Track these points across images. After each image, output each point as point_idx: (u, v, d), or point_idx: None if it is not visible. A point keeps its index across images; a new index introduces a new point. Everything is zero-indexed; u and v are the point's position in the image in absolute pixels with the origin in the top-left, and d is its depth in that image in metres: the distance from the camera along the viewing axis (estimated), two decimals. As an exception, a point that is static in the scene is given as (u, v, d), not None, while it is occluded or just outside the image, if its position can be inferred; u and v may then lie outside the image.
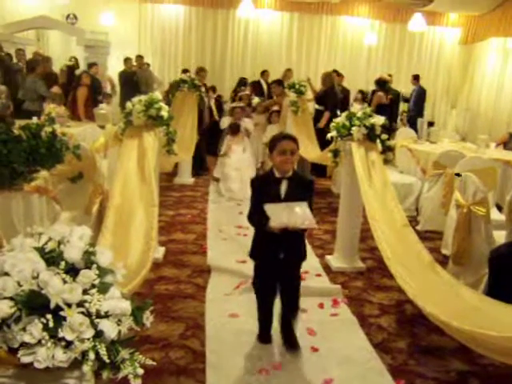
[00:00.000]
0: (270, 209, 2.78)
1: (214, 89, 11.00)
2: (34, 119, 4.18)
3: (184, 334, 3.26)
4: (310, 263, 4.58)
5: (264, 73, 10.95)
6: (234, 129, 7.37)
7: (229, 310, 3.60)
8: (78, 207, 3.87)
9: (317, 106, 8.60)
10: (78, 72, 9.79)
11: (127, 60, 11.16)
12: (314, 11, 13.36)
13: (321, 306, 3.75)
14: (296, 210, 2.78)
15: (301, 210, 2.78)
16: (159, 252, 4.49)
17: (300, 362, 3.02)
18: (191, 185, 7.57)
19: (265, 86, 10.32)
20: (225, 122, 7.64)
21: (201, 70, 8.75)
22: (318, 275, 4.35)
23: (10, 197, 3.05)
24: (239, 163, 7.13)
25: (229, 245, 4.96)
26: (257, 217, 2.92)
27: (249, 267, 4.32)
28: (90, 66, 10.17)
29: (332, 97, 8.37)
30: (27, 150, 3.18)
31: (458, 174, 5.14)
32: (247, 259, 4.51)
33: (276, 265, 3.01)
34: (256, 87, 10.19)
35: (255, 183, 3.02)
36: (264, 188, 2.95)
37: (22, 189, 3.10)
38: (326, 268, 4.53)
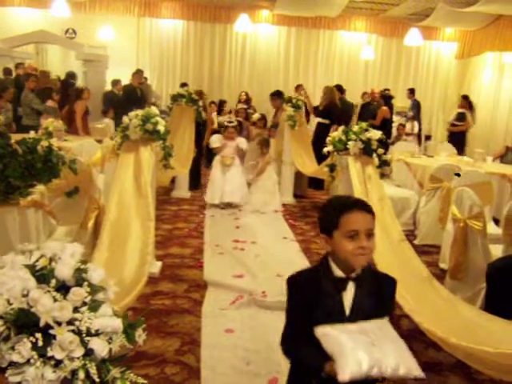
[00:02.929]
0: (330, 338, 1.59)
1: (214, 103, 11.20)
2: (32, 133, 4.19)
3: (180, 349, 3.24)
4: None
5: (298, 87, 10.26)
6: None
7: (225, 325, 3.57)
8: (74, 221, 3.85)
9: (320, 120, 8.57)
10: (76, 86, 9.83)
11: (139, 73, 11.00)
12: (312, 26, 13.49)
13: (318, 320, 3.72)
14: (381, 341, 1.59)
15: (390, 341, 1.63)
16: (156, 266, 4.47)
17: (296, 378, 2.99)
18: (188, 198, 7.55)
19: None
20: (215, 141, 7.26)
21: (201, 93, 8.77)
22: (315, 290, 4.32)
23: (5, 211, 3.04)
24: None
25: (225, 259, 4.94)
26: (301, 351, 1.74)
27: (245, 282, 4.33)
28: (115, 82, 10.25)
29: (337, 110, 8.40)
30: (23, 164, 3.17)
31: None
32: (244, 274, 4.52)
33: None
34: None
35: (297, 285, 1.78)
36: (313, 295, 1.71)
37: (18, 203, 3.09)
38: (323, 282, 4.50)
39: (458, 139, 9.46)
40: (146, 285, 3.56)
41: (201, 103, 7.60)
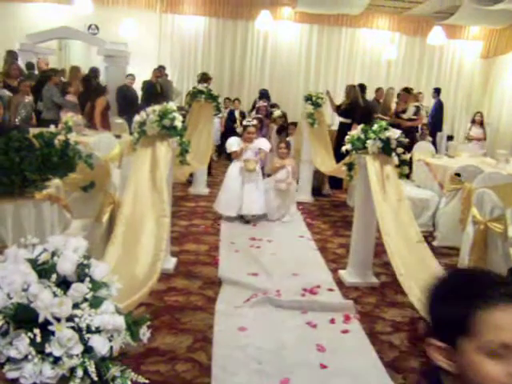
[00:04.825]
0: None
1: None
2: (52, 127, 4.21)
3: (191, 346, 3.22)
4: (323, 277, 4.52)
5: (379, 90, 10.18)
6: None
7: (238, 323, 3.54)
8: (89, 216, 3.86)
9: (342, 119, 8.53)
10: (98, 82, 9.88)
11: (160, 69, 11.09)
12: (334, 23, 13.35)
13: (332, 321, 3.68)
14: None
15: None
16: (170, 262, 4.46)
17: (308, 379, 2.94)
18: (206, 195, 7.53)
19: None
20: (233, 144, 6.25)
21: (208, 78, 8.81)
22: (331, 290, 4.27)
23: (21, 204, 3.05)
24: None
25: (241, 257, 4.91)
26: None
27: (260, 280, 4.29)
28: (127, 76, 10.31)
29: (360, 109, 8.31)
30: (40, 158, 3.18)
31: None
32: (259, 272, 4.49)
33: None
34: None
35: None
36: None
37: (34, 197, 3.10)
38: (339, 283, 4.45)
39: (412, 135, 9.10)
40: (160, 281, 3.56)
41: (220, 100, 7.60)
